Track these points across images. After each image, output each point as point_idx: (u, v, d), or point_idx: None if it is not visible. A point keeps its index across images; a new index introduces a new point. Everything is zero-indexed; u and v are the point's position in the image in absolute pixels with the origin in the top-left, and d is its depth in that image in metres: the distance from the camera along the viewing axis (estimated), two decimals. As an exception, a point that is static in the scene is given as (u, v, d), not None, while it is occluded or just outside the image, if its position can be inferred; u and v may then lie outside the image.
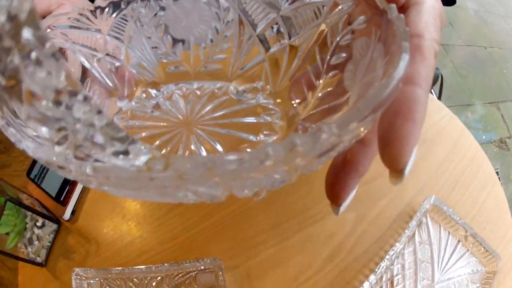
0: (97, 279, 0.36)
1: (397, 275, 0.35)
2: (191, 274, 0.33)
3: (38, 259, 0.41)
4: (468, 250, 0.37)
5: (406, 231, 0.35)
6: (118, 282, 0.35)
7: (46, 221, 0.41)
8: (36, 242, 0.41)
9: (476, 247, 0.36)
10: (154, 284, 0.33)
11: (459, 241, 0.37)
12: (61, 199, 0.41)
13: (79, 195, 0.42)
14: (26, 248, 0.41)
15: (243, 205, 0.36)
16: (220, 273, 0.31)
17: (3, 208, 0.37)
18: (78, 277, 0.36)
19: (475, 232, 0.36)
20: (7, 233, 0.40)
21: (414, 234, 0.37)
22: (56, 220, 0.42)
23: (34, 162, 0.47)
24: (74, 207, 0.41)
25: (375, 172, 0.36)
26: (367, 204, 0.36)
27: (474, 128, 1.39)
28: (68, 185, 0.42)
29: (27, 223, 0.41)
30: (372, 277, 0.33)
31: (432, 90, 1.12)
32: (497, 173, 1.16)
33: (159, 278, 0.33)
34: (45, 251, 0.42)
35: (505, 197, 0.39)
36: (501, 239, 0.37)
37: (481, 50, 1.65)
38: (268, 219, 0.35)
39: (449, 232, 0.38)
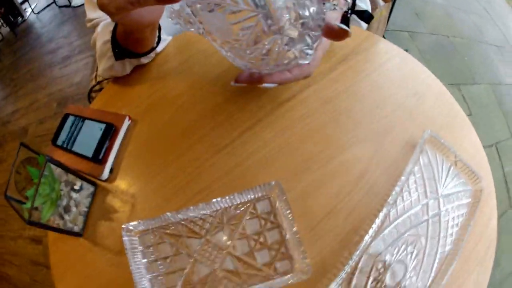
0: (150, 231, 0.34)
1: (411, 187, 0.39)
2: (248, 204, 0.33)
3: (76, 228, 0.38)
4: (458, 173, 0.41)
5: (414, 155, 0.39)
6: (176, 228, 0.34)
7: (84, 184, 0.38)
8: (74, 209, 0.37)
9: (464, 170, 0.41)
10: (212, 221, 0.33)
11: (451, 165, 0.41)
12: (100, 158, 0.38)
13: (117, 151, 0.39)
14: (62, 219, 0.37)
15: (285, 138, 0.38)
16: (283, 196, 0.32)
17: (42, 171, 0.34)
18: (128, 233, 0.34)
19: (463, 158, 0.40)
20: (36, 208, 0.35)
21: (418, 158, 0.41)
22: (92, 182, 0.39)
23: (59, 129, 0.43)
24: (112, 164, 0.38)
25: (378, 116, 0.40)
26: (378, 140, 0.39)
27: (437, 106, 1.47)
28: (106, 141, 0.38)
29: (61, 189, 0.37)
30: (396, 188, 0.37)
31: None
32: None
33: (217, 213, 0.33)
34: (82, 218, 0.38)
35: (479, 141, 0.43)
36: (480, 168, 0.41)
37: (445, 39, 1.70)
38: (307, 150, 0.37)
39: (443, 159, 0.42)
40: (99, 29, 0.45)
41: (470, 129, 0.42)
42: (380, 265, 0.35)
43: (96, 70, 0.65)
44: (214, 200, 0.32)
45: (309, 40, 0.26)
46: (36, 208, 0.35)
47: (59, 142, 0.43)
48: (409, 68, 0.45)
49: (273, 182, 0.32)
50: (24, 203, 0.35)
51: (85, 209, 0.38)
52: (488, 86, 1.57)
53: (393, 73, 0.44)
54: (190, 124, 0.40)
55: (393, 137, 0.39)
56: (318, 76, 0.41)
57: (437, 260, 0.37)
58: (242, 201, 0.33)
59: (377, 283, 0.35)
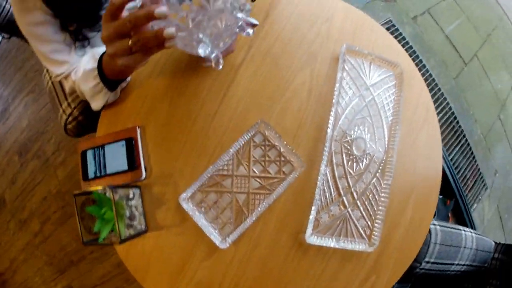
0: (196, 191, 0.47)
1: (346, 88, 0.55)
2: (250, 139, 0.48)
3: (142, 227, 0.48)
4: (379, 66, 0.56)
5: (339, 65, 0.53)
6: (212, 180, 0.47)
7: (134, 189, 0.48)
8: (136, 213, 0.48)
9: (382, 62, 0.55)
10: (233, 162, 0.47)
11: (370, 62, 0.56)
12: (135, 165, 0.48)
13: (142, 153, 0.49)
14: (131, 226, 0.46)
15: (252, 89, 0.51)
16: (267, 126, 0.46)
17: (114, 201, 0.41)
18: (184, 200, 0.46)
19: (377, 54, 0.54)
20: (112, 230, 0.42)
21: (343, 67, 0.55)
22: (136, 186, 0.50)
23: (84, 166, 0.52)
24: (144, 165, 0.50)
25: (305, 48, 0.54)
26: (311, 64, 0.54)
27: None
28: (132, 151, 0.49)
29: (123, 204, 0.45)
30: (335, 92, 0.52)
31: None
32: (390, 21, 1.27)
33: (233, 156, 0.47)
34: (142, 217, 0.49)
35: (389, 34, 0.56)
36: (397, 56, 0.55)
37: None
38: (267, 91, 0.51)
39: (362, 60, 0.56)
40: (75, 78, 0.53)
41: (379, 29, 0.56)
42: (346, 145, 0.52)
43: (61, 106, 0.74)
44: (229, 149, 0.46)
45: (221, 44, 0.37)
46: (112, 231, 0.43)
47: (90, 175, 0.51)
48: (316, 2, 0.57)
49: (259, 121, 0.47)
50: (97, 239, 0.43)
51: (141, 209, 0.49)
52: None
53: (305, 13, 0.56)
54: (185, 108, 0.51)
55: (321, 58, 0.54)
56: (254, 38, 0.54)
57: (386, 129, 0.53)
58: (245, 141, 0.47)
59: (350, 156, 0.52)
